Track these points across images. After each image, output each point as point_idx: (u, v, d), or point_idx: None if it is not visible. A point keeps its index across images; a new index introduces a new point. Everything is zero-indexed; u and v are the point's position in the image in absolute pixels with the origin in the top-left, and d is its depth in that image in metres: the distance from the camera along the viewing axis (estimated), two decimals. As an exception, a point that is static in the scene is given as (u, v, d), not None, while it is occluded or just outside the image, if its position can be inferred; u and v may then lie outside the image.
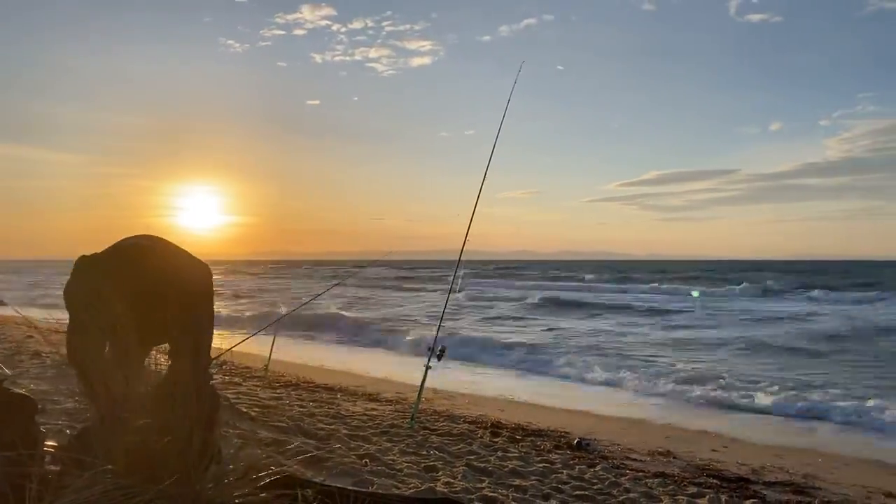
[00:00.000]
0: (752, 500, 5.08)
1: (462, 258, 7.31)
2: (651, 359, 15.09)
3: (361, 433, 6.10)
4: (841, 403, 10.02)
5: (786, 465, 6.76)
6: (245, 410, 6.12)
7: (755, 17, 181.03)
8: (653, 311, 28.31)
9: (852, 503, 5.34)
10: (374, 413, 7.45)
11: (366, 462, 4.97)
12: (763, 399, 10.54)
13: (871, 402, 9.89)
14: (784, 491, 5.54)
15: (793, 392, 10.90)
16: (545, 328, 22.16)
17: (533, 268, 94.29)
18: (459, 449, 6.00)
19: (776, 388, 11.22)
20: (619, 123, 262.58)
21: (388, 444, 5.81)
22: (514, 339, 18.34)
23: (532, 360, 14.85)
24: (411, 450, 5.73)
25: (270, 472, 3.05)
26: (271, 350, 10.10)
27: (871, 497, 5.66)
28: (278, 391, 8.44)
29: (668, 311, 28.24)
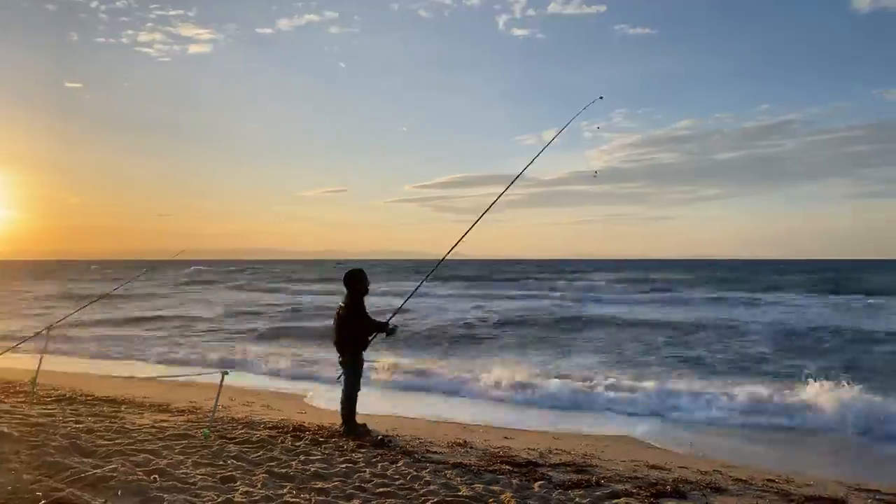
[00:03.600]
0: (540, 482, 5.47)
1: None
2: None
3: (149, 447, 5.66)
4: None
5: (566, 447, 7.38)
6: (6, 431, 5.39)
7: (520, 33, 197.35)
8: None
9: (622, 475, 5.96)
10: (164, 425, 6.95)
11: (154, 478, 4.61)
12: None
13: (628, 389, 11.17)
14: (567, 471, 6.04)
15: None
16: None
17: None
18: (259, 456, 5.79)
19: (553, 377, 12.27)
20: (408, 127, 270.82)
21: (181, 457, 5.45)
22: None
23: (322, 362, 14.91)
24: (206, 461, 5.42)
25: (37, 498, 2.72)
26: (39, 364, 9.00)
27: (637, 469, 6.36)
28: (49, 407, 7.56)
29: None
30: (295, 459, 5.75)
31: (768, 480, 6.10)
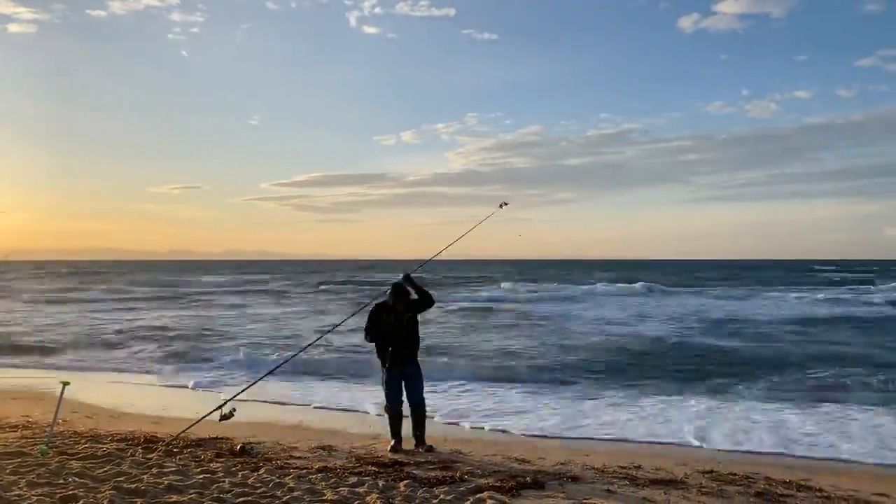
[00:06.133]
0: (405, 481, 5.49)
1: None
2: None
3: (-26, 469, 5.10)
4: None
5: (434, 444, 7.46)
6: None
7: (371, 30, 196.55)
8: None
9: (485, 470, 6.11)
10: (-7, 443, 6.29)
11: (-20, 503, 4.16)
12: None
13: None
14: (432, 468, 6.11)
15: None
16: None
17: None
18: (106, 471, 5.39)
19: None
20: (258, 121, 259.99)
21: (13, 478, 4.96)
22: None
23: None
24: (44, 480, 4.98)
25: None
26: None
27: (500, 463, 6.55)
28: None
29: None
30: (146, 473, 5.40)
31: (620, 467, 6.49)
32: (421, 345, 7.17)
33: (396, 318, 6.97)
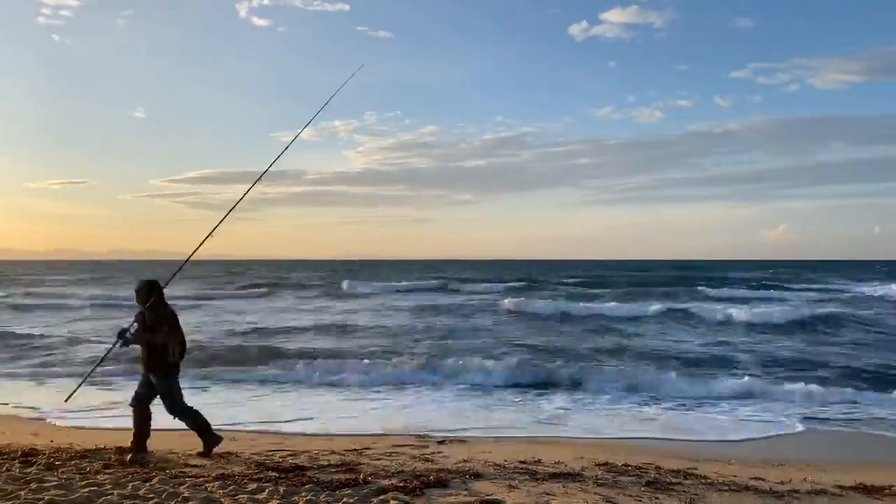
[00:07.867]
0: (308, 486, 5.38)
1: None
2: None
3: None
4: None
5: (336, 447, 7.37)
6: None
7: (261, 22, 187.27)
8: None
9: (389, 471, 6.10)
10: None
11: None
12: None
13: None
14: (336, 471, 6.02)
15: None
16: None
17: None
18: (-23, 489, 4.97)
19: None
20: (144, 113, 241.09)
21: None
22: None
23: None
24: None
25: None
26: None
27: (404, 463, 6.55)
28: None
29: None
30: (24, 488, 5.04)
31: (521, 462, 6.64)
32: None
33: None
